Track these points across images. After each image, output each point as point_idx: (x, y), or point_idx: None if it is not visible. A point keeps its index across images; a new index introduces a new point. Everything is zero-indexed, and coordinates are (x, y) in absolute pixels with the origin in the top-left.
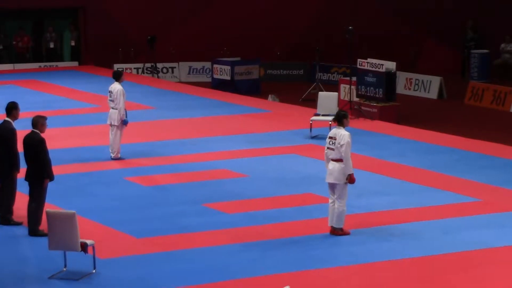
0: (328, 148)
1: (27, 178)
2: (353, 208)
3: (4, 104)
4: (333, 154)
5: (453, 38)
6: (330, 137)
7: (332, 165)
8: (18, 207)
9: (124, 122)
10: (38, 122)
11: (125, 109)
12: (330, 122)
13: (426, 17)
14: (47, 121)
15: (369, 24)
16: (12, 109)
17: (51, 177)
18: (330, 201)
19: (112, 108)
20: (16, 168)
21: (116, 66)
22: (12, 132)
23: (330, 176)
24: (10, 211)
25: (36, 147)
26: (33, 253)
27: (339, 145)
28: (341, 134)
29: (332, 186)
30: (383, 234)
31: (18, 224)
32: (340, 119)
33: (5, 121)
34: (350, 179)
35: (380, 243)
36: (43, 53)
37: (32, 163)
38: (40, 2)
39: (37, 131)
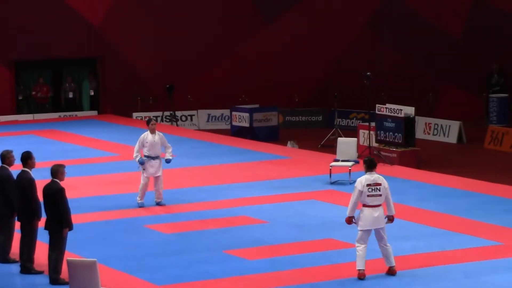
0: (372, 195)
1: (47, 227)
2: (375, 253)
3: None
4: (380, 200)
5: (472, 83)
6: (370, 184)
7: (377, 211)
8: (39, 256)
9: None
10: (58, 171)
11: (138, 154)
12: (349, 168)
13: (445, 62)
14: (66, 170)
15: (387, 70)
16: (27, 158)
17: (70, 227)
18: (363, 246)
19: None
20: (37, 217)
21: (135, 115)
22: (31, 182)
23: (378, 222)
24: (31, 260)
25: (55, 196)
26: None
27: (384, 189)
28: (381, 178)
29: (378, 231)
30: (406, 279)
31: (39, 273)
32: (375, 165)
33: (22, 171)
34: (392, 219)
35: (403, 287)
36: (62, 103)
37: (51, 212)
38: (59, 52)
39: (57, 180)
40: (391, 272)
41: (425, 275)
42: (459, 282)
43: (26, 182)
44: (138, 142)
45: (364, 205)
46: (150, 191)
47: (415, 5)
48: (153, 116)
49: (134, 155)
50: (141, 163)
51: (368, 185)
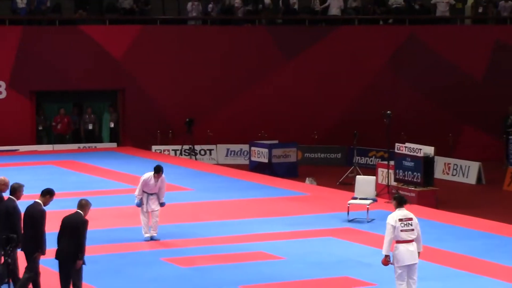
0: (406, 230)
1: (61, 256)
2: None
3: (42, 185)
4: (414, 234)
5: (492, 124)
6: (402, 219)
7: (412, 246)
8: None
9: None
10: (86, 206)
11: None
12: (367, 206)
13: (465, 103)
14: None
15: (407, 109)
16: (46, 194)
17: (81, 258)
18: (404, 283)
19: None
20: (42, 250)
21: (154, 148)
22: (42, 214)
23: (413, 256)
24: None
25: (79, 227)
26: None
27: (415, 224)
28: (412, 214)
29: (413, 267)
30: None
31: None
32: (406, 201)
33: (35, 202)
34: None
35: None
36: (82, 134)
37: (68, 243)
38: (80, 84)
39: (81, 212)
40: None
41: None
42: None
43: (37, 213)
44: (141, 182)
45: (398, 242)
46: (159, 224)
47: (436, 46)
48: (172, 149)
49: (136, 193)
50: (138, 205)
51: (400, 220)
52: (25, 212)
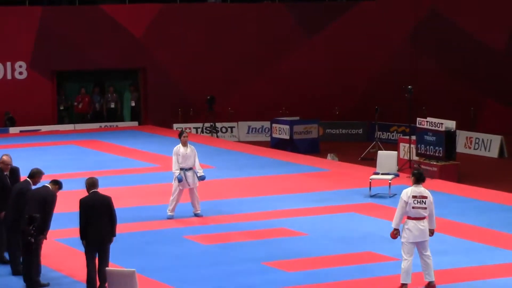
0: (417, 207)
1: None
2: (414, 267)
3: (65, 164)
4: (425, 212)
5: None
6: (416, 196)
7: (422, 224)
8: (77, 266)
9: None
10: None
11: (178, 170)
12: (389, 181)
13: (487, 77)
14: (106, 180)
15: (428, 83)
16: (56, 184)
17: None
18: (408, 259)
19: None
20: (45, 234)
21: (176, 126)
22: (54, 198)
23: (423, 234)
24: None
25: (110, 205)
26: None
27: (429, 203)
28: (427, 192)
29: (422, 244)
30: None
31: (45, 285)
32: (424, 179)
33: (46, 186)
34: (432, 233)
35: None
36: (104, 113)
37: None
38: (101, 64)
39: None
40: (430, 287)
41: None
42: None
43: (49, 195)
44: (174, 156)
45: (409, 218)
46: (182, 202)
47: (457, 19)
48: (194, 127)
49: (174, 169)
50: (180, 180)
51: (414, 196)
52: (35, 194)
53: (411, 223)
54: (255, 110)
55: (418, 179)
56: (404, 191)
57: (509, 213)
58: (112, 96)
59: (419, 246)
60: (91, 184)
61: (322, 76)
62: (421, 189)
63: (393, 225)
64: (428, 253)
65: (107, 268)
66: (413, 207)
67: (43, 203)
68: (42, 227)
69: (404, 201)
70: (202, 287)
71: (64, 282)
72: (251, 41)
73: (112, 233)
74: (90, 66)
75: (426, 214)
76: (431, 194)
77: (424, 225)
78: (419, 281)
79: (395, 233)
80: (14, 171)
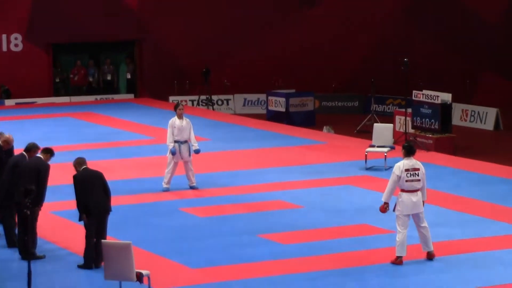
0: (411, 180)
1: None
2: (410, 239)
3: (60, 136)
4: (419, 184)
5: (510, 69)
6: (408, 169)
7: (416, 196)
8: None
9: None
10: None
11: (172, 142)
12: (385, 154)
13: (483, 49)
14: (102, 153)
15: (424, 56)
16: (48, 152)
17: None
18: (403, 232)
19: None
20: (40, 206)
21: (172, 98)
22: (48, 168)
23: (417, 206)
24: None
25: (102, 179)
26: (89, 283)
27: (422, 174)
28: (419, 163)
29: (417, 216)
30: (441, 265)
31: (41, 257)
32: (414, 151)
33: (39, 157)
34: (423, 204)
35: (437, 274)
36: (100, 85)
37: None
38: (97, 36)
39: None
40: (429, 257)
41: (460, 262)
42: (495, 269)
43: (43, 166)
44: (169, 128)
45: (402, 190)
46: (177, 175)
47: None
48: (189, 100)
49: (169, 141)
50: (173, 153)
51: (406, 170)
52: (28, 165)
53: (404, 196)
54: (251, 83)
55: (409, 152)
56: (397, 165)
57: (504, 186)
58: (109, 68)
59: (415, 218)
60: (80, 162)
61: (318, 48)
62: (413, 162)
63: (383, 198)
64: (425, 224)
65: (103, 240)
66: (406, 181)
67: (37, 174)
68: (38, 198)
69: (397, 175)
70: (198, 259)
71: (60, 254)
72: (247, 12)
73: (109, 205)
74: (86, 38)
75: (419, 187)
76: (426, 166)
77: (417, 197)
78: (415, 253)
79: (385, 207)
80: None
